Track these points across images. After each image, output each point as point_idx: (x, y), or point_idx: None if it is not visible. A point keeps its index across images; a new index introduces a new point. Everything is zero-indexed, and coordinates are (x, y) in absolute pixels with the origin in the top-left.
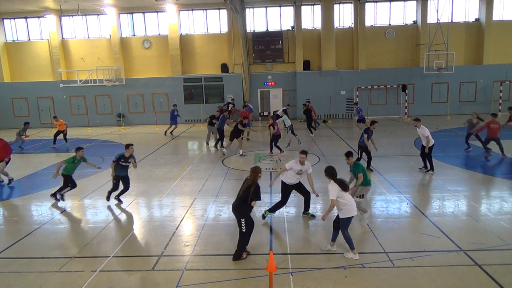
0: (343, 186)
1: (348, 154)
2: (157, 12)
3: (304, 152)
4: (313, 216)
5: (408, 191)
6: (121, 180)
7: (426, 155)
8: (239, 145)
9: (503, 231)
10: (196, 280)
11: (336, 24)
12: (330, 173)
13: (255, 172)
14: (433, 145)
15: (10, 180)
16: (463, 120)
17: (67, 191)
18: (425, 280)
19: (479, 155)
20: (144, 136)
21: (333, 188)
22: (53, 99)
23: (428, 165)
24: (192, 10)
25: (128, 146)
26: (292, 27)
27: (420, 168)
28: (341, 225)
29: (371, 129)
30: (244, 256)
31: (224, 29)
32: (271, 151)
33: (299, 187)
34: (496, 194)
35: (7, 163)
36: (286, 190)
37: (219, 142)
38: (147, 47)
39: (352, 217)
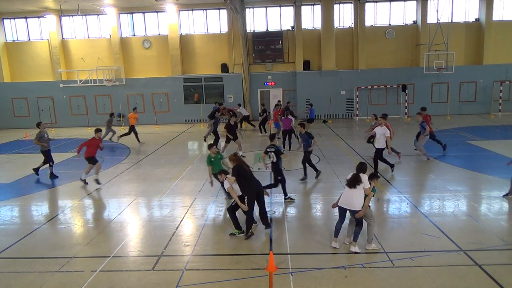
0: (348, 181)
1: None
2: (157, 12)
3: (219, 173)
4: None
5: (408, 191)
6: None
7: (380, 158)
8: (238, 146)
9: (503, 231)
10: (196, 280)
11: (336, 24)
12: (358, 167)
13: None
14: (382, 149)
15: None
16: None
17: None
18: (425, 280)
19: (479, 155)
20: (144, 136)
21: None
22: (53, 99)
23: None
24: (192, 10)
25: (274, 136)
26: (292, 27)
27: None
28: None
29: (302, 133)
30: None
31: (224, 29)
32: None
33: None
34: (496, 194)
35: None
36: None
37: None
38: (147, 47)
39: (339, 207)
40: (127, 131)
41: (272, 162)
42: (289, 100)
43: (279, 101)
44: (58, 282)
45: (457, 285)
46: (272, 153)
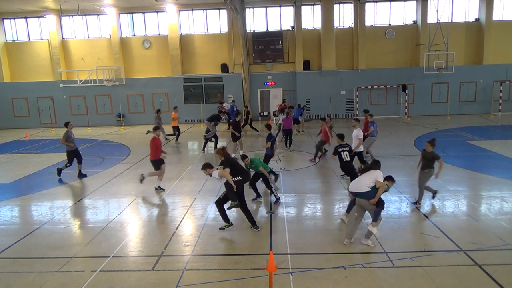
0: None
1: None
2: (157, 12)
3: (203, 167)
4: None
5: (408, 191)
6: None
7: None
8: (239, 145)
9: (503, 231)
10: (196, 280)
11: (336, 24)
12: (372, 163)
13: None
14: (360, 152)
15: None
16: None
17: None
18: (425, 280)
19: (479, 155)
20: (144, 136)
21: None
22: (53, 99)
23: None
24: (192, 10)
25: (343, 135)
26: (292, 27)
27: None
28: None
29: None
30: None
31: (224, 29)
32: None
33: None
34: (496, 194)
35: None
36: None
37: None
38: (147, 47)
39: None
40: (171, 131)
41: (345, 161)
42: (289, 100)
43: (284, 99)
44: (58, 282)
45: (457, 285)
46: (346, 152)
